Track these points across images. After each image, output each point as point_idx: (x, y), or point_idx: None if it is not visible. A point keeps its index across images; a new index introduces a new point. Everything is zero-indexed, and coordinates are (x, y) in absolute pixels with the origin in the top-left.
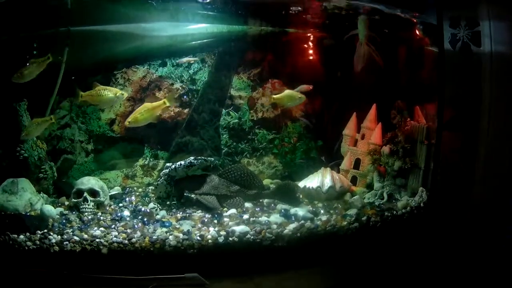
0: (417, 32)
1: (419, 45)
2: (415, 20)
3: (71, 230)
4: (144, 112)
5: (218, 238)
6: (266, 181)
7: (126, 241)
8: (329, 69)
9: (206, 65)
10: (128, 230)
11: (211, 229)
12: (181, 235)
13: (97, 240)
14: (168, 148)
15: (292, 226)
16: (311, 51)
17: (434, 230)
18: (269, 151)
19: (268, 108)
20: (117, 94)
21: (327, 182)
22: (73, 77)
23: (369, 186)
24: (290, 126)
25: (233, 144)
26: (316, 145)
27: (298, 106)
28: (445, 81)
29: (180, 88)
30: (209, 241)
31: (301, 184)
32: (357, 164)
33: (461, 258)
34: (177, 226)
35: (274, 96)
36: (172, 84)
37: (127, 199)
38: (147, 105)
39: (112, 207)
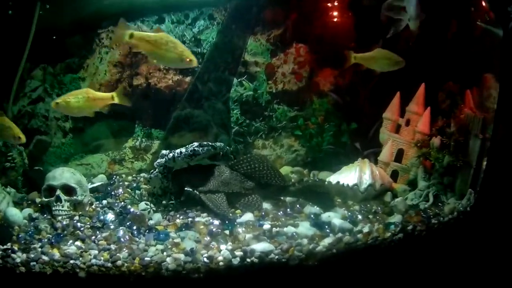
0: (480, 3)
1: (479, 20)
2: None
3: (40, 244)
4: (81, 99)
5: (233, 259)
6: (285, 169)
7: (109, 264)
8: (369, 34)
9: (215, 23)
10: (112, 246)
11: (223, 247)
12: (182, 256)
13: (72, 261)
14: (164, 126)
15: (327, 241)
16: (346, 11)
17: (481, 238)
18: (290, 132)
19: (291, 79)
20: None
21: (366, 179)
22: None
23: (411, 183)
24: (316, 102)
25: (246, 121)
26: (348, 128)
27: (327, 78)
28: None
29: None
30: (220, 263)
31: (333, 178)
32: (399, 155)
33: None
34: (177, 241)
35: (358, 55)
36: None
37: (112, 192)
38: (89, 91)
39: (93, 206)
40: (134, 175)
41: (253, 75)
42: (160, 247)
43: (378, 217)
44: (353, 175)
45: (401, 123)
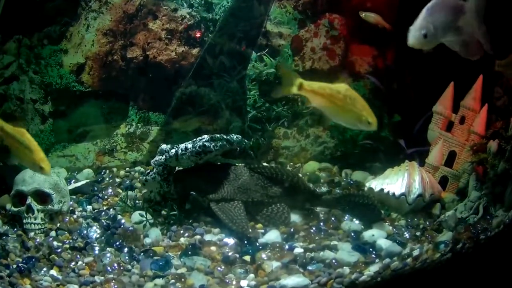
0: None
1: None
2: None
3: (8, 272)
4: None
5: None
6: (312, 165)
7: None
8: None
9: None
10: (97, 279)
11: (244, 283)
12: None
13: None
14: (165, 108)
15: (373, 269)
16: None
17: None
18: (318, 120)
19: (321, 56)
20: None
21: (416, 188)
22: None
23: (461, 192)
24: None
25: (265, 105)
26: (390, 121)
27: (366, 57)
28: None
29: (187, 16)
30: None
31: (375, 184)
32: (450, 159)
33: None
34: (181, 271)
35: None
36: (175, 10)
37: (100, 194)
38: None
39: (74, 215)
40: (127, 168)
41: (276, 49)
42: (159, 281)
43: (427, 235)
44: (400, 181)
45: (454, 120)
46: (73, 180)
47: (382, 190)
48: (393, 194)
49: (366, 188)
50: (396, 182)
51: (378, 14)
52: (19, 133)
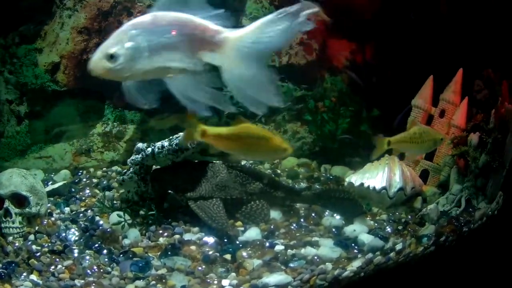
0: None
1: None
2: None
3: None
4: None
5: None
6: (291, 161)
7: None
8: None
9: None
10: (77, 282)
11: (225, 282)
12: None
13: None
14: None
15: (356, 264)
16: None
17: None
18: (296, 115)
19: (298, 51)
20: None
21: (396, 182)
22: None
23: (442, 185)
24: (328, 80)
25: None
26: (369, 115)
27: (344, 52)
28: None
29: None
30: None
31: (355, 179)
32: (430, 152)
33: None
34: (161, 272)
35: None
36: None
37: (77, 196)
38: None
39: (52, 218)
40: (104, 168)
41: None
42: (140, 283)
43: (409, 228)
44: (380, 176)
45: (433, 114)
46: (50, 182)
47: (362, 184)
48: (374, 188)
49: (346, 183)
50: (377, 176)
51: (359, 6)
52: (244, 130)
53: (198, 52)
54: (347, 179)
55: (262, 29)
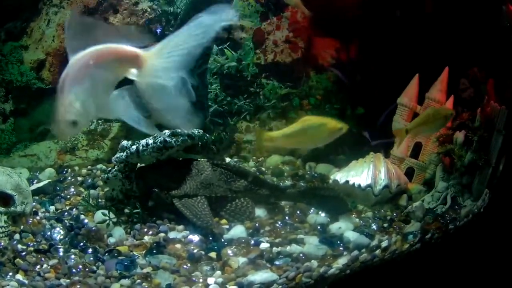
0: None
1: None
2: None
3: None
4: None
5: None
6: (275, 159)
7: None
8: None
9: None
10: (63, 282)
11: (211, 280)
12: None
13: None
14: None
15: (341, 261)
16: None
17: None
18: (281, 113)
19: (284, 49)
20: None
21: (382, 179)
22: None
23: (427, 183)
24: (314, 78)
25: (227, 99)
26: (354, 113)
27: (329, 50)
28: None
29: (148, 9)
30: None
31: (340, 177)
32: (415, 150)
33: None
34: (147, 271)
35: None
36: (136, 3)
37: (62, 194)
38: None
39: (38, 217)
40: (89, 166)
41: (238, 42)
42: (125, 282)
43: (394, 226)
44: (366, 173)
45: (419, 112)
46: (35, 180)
47: (347, 182)
48: (359, 185)
49: (331, 181)
50: (362, 173)
51: (346, 4)
52: (306, 122)
53: (122, 75)
54: (332, 177)
55: (176, 42)
